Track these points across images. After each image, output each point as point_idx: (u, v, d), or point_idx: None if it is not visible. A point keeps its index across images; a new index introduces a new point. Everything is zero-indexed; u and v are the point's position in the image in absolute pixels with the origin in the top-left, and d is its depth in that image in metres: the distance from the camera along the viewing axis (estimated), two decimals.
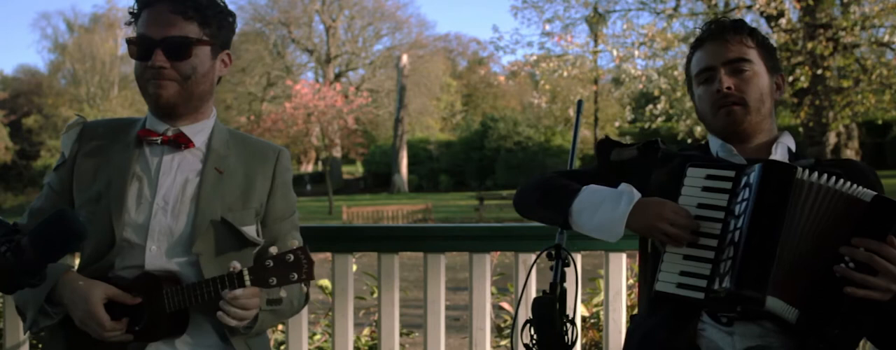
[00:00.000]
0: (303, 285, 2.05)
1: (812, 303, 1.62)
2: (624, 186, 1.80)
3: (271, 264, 1.74)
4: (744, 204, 1.67)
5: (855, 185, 1.65)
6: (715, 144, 1.92)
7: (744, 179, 1.71)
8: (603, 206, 1.78)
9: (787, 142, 1.90)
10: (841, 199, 1.64)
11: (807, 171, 1.65)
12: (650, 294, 1.81)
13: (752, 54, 1.88)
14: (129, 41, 1.87)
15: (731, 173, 1.74)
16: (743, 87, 1.85)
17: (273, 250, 1.74)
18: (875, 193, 1.63)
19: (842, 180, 1.65)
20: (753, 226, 1.63)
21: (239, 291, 1.74)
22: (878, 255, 1.58)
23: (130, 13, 1.90)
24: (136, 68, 1.88)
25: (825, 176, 1.65)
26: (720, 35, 1.87)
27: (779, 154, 1.87)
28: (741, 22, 1.91)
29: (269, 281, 1.74)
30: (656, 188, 1.80)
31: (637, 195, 1.78)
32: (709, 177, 1.76)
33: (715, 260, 1.68)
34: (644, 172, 1.85)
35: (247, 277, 1.74)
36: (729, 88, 1.84)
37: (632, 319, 1.95)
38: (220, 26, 1.91)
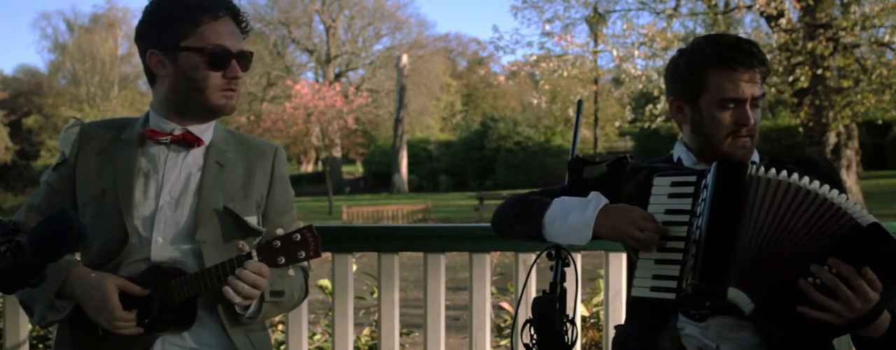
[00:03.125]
0: (304, 278, 2.08)
1: (768, 301, 1.65)
2: (593, 194, 1.84)
3: (279, 244, 1.77)
4: (703, 204, 1.71)
5: (815, 182, 1.67)
6: (679, 150, 1.95)
7: (703, 182, 1.75)
8: (572, 213, 1.82)
9: None
10: (811, 198, 1.65)
11: (762, 169, 1.69)
12: (629, 300, 1.86)
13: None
14: (202, 50, 1.86)
15: (693, 178, 1.79)
16: (755, 121, 1.86)
17: (280, 231, 1.78)
18: (873, 220, 1.63)
19: (804, 177, 1.67)
20: (712, 223, 1.67)
21: (249, 263, 1.75)
22: (845, 282, 1.57)
23: (187, 20, 1.87)
24: (198, 74, 1.87)
25: (784, 172, 1.68)
26: (751, 65, 1.83)
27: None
28: (758, 48, 1.88)
29: (277, 260, 1.77)
30: (627, 200, 1.83)
31: (604, 200, 1.81)
32: (674, 184, 1.81)
33: (683, 261, 1.72)
34: (615, 187, 1.88)
35: (256, 258, 1.77)
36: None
37: (616, 328, 1.98)
38: None
